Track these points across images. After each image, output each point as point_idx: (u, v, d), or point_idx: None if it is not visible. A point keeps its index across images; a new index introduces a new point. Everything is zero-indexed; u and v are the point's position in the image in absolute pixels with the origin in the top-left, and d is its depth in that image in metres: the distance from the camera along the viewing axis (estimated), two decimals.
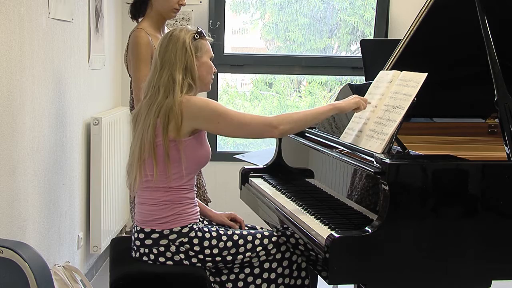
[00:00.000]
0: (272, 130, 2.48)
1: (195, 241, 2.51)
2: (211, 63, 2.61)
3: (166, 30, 3.28)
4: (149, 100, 2.52)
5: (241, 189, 3.27)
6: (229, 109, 2.52)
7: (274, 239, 2.59)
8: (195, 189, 2.60)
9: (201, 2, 4.70)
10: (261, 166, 3.28)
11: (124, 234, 4.46)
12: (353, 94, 2.62)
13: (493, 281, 2.25)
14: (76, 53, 3.51)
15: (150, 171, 2.49)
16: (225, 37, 4.83)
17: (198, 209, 2.60)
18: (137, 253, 2.55)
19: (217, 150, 4.87)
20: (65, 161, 3.36)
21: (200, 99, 2.50)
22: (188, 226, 2.51)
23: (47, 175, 3.08)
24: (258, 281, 2.56)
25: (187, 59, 2.51)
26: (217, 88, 4.87)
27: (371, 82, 2.68)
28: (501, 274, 2.27)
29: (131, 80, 3.19)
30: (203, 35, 2.58)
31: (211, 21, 4.70)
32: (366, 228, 2.15)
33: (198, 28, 2.58)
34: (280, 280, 2.58)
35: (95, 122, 3.74)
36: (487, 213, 2.22)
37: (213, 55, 2.62)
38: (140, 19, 3.25)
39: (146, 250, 2.52)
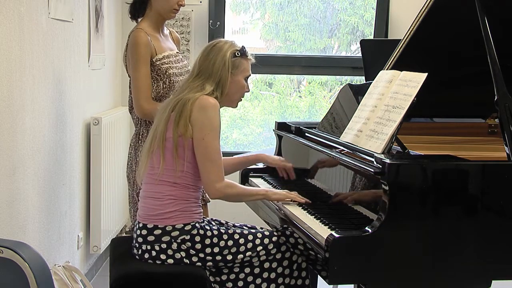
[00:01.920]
0: (214, 188, 2.51)
1: (197, 239, 2.51)
2: (245, 83, 2.65)
3: (166, 30, 3.28)
4: (175, 96, 2.57)
5: None
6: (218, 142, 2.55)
7: (274, 239, 2.59)
8: (201, 190, 2.61)
9: (201, 2, 4.69)
10: (261, 166, 3.28)
11: (124, 234, 4.46)
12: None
13: (493, 281, 2.25)
14: (76, 53, 3.51)
15: (157, 164, 2.51)
16: (225, 37, 4.82)
17: (202, 210, 2.61)
18: (139, 250, 2.55)
19: None
20: (65, 161, 3.36)
21: (214, 104, 2.50)
22: (191, 224, 2.52)
23: (47, 175, 3.08)
24: (258, 281, 2.56)
25: (222, 73, 2.56)
26: None
27: (371, 82, 2.68)
28: (501, 274, 2.27)
29: (130, 80, 3.19)
30: (245, 54, 2.62)
31: (211, 21, 4.70)
32: (366, 228, 2.15)
33: (243, 46, 2.62)
34: (280, 280, 2.58)
35: (95, 122, 3.74)
36: (487, 213, 2.22)
37: (250, 74, 2.65)
38: (139, 19, 3.25)
39: (148, 247, 2.52)
